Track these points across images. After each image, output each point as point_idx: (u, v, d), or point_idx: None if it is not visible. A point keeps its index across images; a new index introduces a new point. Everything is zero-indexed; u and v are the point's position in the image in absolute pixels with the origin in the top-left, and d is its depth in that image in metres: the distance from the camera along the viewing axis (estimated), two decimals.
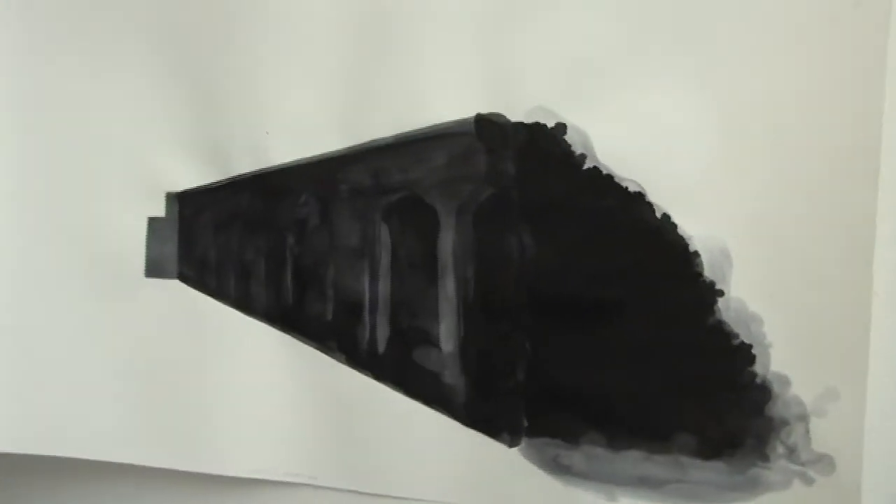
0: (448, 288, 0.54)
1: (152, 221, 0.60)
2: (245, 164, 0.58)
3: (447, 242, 0.54)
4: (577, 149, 0.50)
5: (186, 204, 0.60)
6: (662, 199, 0.49)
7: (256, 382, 0.59)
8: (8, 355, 0.62)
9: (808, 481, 0.46)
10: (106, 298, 0.61)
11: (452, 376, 0.54)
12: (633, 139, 0.49)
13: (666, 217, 0.48)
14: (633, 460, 0.50)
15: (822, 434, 0.46)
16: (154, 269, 0.60)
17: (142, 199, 0.60)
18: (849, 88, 0.45)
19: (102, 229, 0.61)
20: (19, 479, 0.67)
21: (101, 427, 0.61)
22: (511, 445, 0.53)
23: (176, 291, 0.60)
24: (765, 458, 0.47)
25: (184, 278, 0.60)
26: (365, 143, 0.55)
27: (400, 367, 0.55)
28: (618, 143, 0.49)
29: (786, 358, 0.46)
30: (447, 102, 0.53)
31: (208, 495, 0.62)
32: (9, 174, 0.61)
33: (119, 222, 0.61)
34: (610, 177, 0.49)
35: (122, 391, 0.61)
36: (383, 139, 0.54)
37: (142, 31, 0.59)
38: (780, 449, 0.47)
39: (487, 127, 0.52)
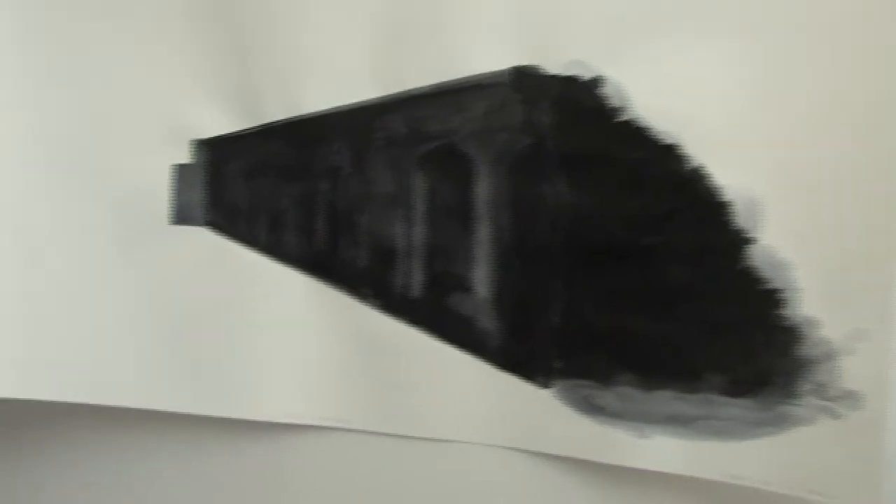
0: (483, 234, 0.55)
1: (179, 168, 0.60)
2: (277, 113, 0.58)
3: (483, 190, 0.55)
4: (613, 101, 0.51)
5: (215, 151, 0.60)
6: (697, 150, 0.50)
7: (287, 329, 0.60)
8: (30, 301, 0.61)
9: (836, 416, 0.49)
10: (130, 245, 0.61)
11: (487, 321, 0.56)
12: (669, 92, 0.50)
13: (700, 167, 0.50)
14: (664, 399, 0.53)
15: (852, 371, 0.48)
16: (180, 216, 0.60)
17: (168, 147, 0.60)
18: (882, 37, 0.47)
19: (127, 176, 0.60)
20: (37, 429, 0.67)
21: (125, 374, 0.61)
22: (544, 387, 0.55)
23: (202, 238, 0.60)
24: (793, 395, 0.50)
25: (212, 225, 0.60)
26: (401, 93, 0.55)
27: (434, 313, 0.57)
28: (653, 96, 0.51)
29: (815, 301, 0.49)
30: (483, 54, 0.54)
31: (238, 441, 0.63)
32: (35, 119, 0.60)
33: (144, 169, 0.60)
34: (645, 128, 0.51)
35: (147, 338, 0.61)
36: (419, 89, 0.55)
37: None
38: (808, 386, 0.50)
39: (523, 79, 0.53)
